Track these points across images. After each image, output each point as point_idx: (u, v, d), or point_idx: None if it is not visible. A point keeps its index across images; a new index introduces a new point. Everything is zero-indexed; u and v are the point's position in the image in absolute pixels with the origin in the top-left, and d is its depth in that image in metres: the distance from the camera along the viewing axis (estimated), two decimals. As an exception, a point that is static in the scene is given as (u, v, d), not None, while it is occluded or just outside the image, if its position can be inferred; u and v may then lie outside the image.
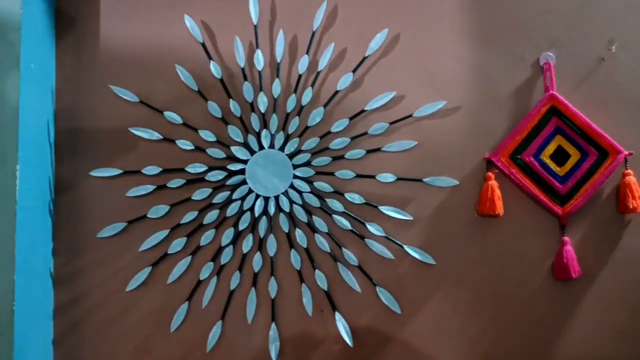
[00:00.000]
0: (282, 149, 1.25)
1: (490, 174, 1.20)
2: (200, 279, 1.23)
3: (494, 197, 1.18)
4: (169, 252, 1.23)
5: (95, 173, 1.25)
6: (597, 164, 1.19)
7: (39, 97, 1.21)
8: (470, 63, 1.25)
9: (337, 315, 1.22)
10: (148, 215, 1.23)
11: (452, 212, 1.23)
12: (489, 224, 1.22)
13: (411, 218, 1.22)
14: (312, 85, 1.26)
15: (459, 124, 1.24)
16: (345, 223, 1.22)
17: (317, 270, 1.22)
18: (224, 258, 1.24)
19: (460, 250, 1.22)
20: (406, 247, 1.22)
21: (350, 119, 1.25)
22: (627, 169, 1.18)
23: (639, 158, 1.20)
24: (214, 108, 1.25)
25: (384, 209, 1.22)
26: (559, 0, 1.25)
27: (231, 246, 1.24)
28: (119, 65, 1.28)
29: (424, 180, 1.23)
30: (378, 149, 1.24)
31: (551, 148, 1.21)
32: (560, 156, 1.20)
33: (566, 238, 1.19)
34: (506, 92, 1.24)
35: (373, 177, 1.23)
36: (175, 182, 1.24)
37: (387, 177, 1.23)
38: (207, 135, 1.25)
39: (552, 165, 1.20)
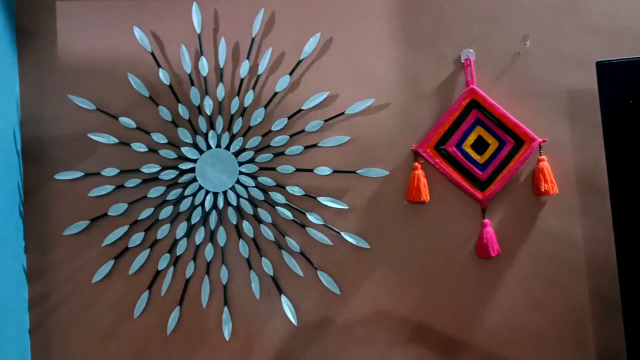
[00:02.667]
0: (228, 147, 1.36)
1: (417, 164, 1.31)
2: (159, 269, 1.35)
3: (420, 185, 1.29)
4: (130, 246, 1.35)
5: (59, 176, 1.37)
6: (513, 152, 1.29)
7: (5, 108, 1.33)
8: (397, 62, 1.36)
9: (283, 298, 1.34)
10: (109, 213, 1.35)
11: (384, 200, 1.34)
12: (417, 210, 1.33)
13: (347, 207, 1.34)
14: (254, 88, 1.36)
15: (388, 119, 1.35)
16: (287, 214, 1.34)
17: (263, 258, 1.34)
18: (179, 249, 1.36)
19: (392, 235, 1.33)
20: (343, 234, 1.33)
21: (289, 118, 1.36)
22: (541, 155, 1.29)
23: (553, 145, 1.30)
24: (164, 112, 1.36)
25: (322, 200, 1.34)
26: (477, 1, 1.35)
27: (185, 238, 1.36)
28: (76, 75, 1.39)
29: (358, 172, 1.34)
30: (315, 145, 1.35)
31: (472, 138, 1.31)
32: (480, 145, 1.31)
33: (486, 220, 1.30)
34: (431, 88, 1.35)
35: (311, 170, 1.34)
36: (132, 182, 1.36)
37: (324, 170, 1.34)
38: (159, 138, 1.36)
39: (473, 154, 1.31)
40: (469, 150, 1.31)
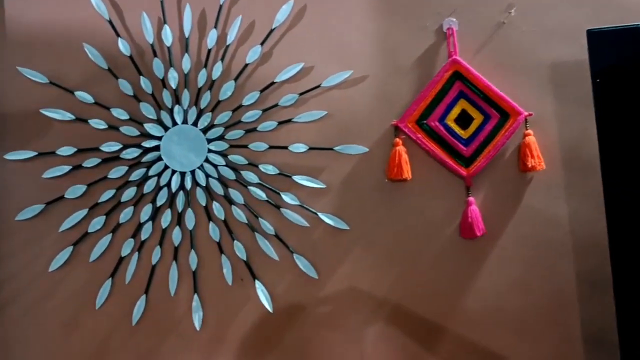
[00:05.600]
0: (195, 124, 1.27)
1: (397, 140, 1.24)
2: (122, 255, 1.26)
3: (401, 162, 1.22)
4: (89, 231, 1.25)
5: (9, 156, 1.25)
6: (499, 126, 1.23)
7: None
8: (375, 33, 1.28)
9: (257, 284, 1.26)
10: (66, 196, 1.25)
11: (363, 179, 1.26)
12: (398, 188, 1.26)
13: (324, 186, 1.26)
14: (222, 59, 1.27)
15: (367, 93, 1.27)
16: (260, 194, 1.26)
17: (235, 241, 1.26)
18: (144, 234, 1.26)
19: (372, 215, 1.26)
20: (320, 215, 1.26)
21: (261, 91, 1.26)
22: (527, 129, 1.23)
23: (539, 119, 1.24)
24: (124, 86, 1.25)
25: (298, 179, 1.25)
26: (460, -34, 1.27)
27: (150, 222, 1.26)
28: (26, 47, 1.27)
29: (335, 148, 1.26)
30: (289, 120, 1.26)
31: (455, 112, 1.25)
32: (464, 120, 1.25)
33: (471, 198, 1.24)
34: (411, 59, 1.27)
35: (286, 147, 1.26)
36: (91, 162, 1.25)
37: (299, 147, 1.26)
38: (119, 114, 1.26)
39: (457, 129, 1.24)
40: (453, 125, 1.25)
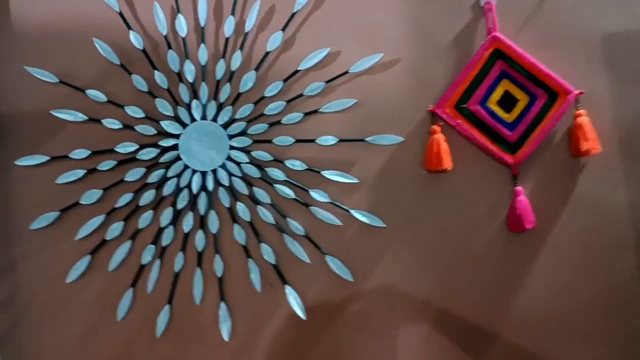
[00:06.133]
0: (215, 119, 1.18)
1: (435, 127, 1.13)
2: (143, 263, 1.17)
3: (440, 151, 1.12)
4: (107, 238, 1.17)
5: (20, 162, 1.18)
6: (546, 107, 1.12)
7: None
8: (406, 12, 1.17)
9: (288, 289, 1.16)
10: (81, 202, 1.17)
11: (398, 171, 1.16)
12: (437, 180, 1.16)
13: (356, 181, 1.16)
14: (241, 48, 1.17)
15: (399, 78, 1.17)
16: (288, 192, 1.16)
17: (262, 244, 1.17)
18: (165, 239, 1.18)
19: (410, 210, 1.16)
20: (353, 212, 1.16)
21: (284, 80, 1.17)
22: (578, 109, 1.11)
23: (591, 97, 1.12)
24: (139, 82, 1.17)
25: (327, 174, 1.16)
26: None
27: (171, 227, 1.18)
28: (34, 44, 1.20)
29: (367, 139, 1.16)
30: (316, 111, 1.17)
31: (498, 94, 1.14)
32: (507, 102, 1.13)
33: (519, 188, 1.13)
34: (446, 39, 1.16)
35: (313, 141, 1.16)
36: (106, 165, 1.17)
37: (328, 140, 1.16)
38: (134, 112, 1.17)
39: (500, 112, 1.13)
40: (495, 108, 1.13)
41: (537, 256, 1.14)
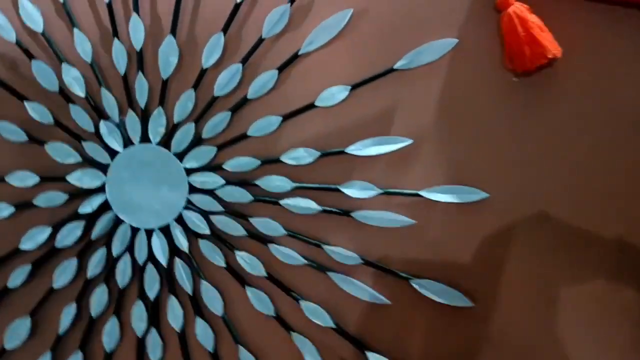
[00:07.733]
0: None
1: (505, -5, 0.62)
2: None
3: (532, 32, 0.60)
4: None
5: None
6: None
7: None
8: None
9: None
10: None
11: (468, 96, 0.65)
12: (542, 86, 0.63)
13: (409, 141, 0.65)
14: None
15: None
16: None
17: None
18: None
19: (509, 150, 0.64)
20: (423, 193, 0.65)
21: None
22: None
23: None
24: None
25: (368, 150, 0.66)
26: None
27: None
28: None
29: (395, 66, 0.65)
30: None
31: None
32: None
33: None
34: None
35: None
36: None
37: (340, 91, 0.67)
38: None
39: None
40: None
41: None
